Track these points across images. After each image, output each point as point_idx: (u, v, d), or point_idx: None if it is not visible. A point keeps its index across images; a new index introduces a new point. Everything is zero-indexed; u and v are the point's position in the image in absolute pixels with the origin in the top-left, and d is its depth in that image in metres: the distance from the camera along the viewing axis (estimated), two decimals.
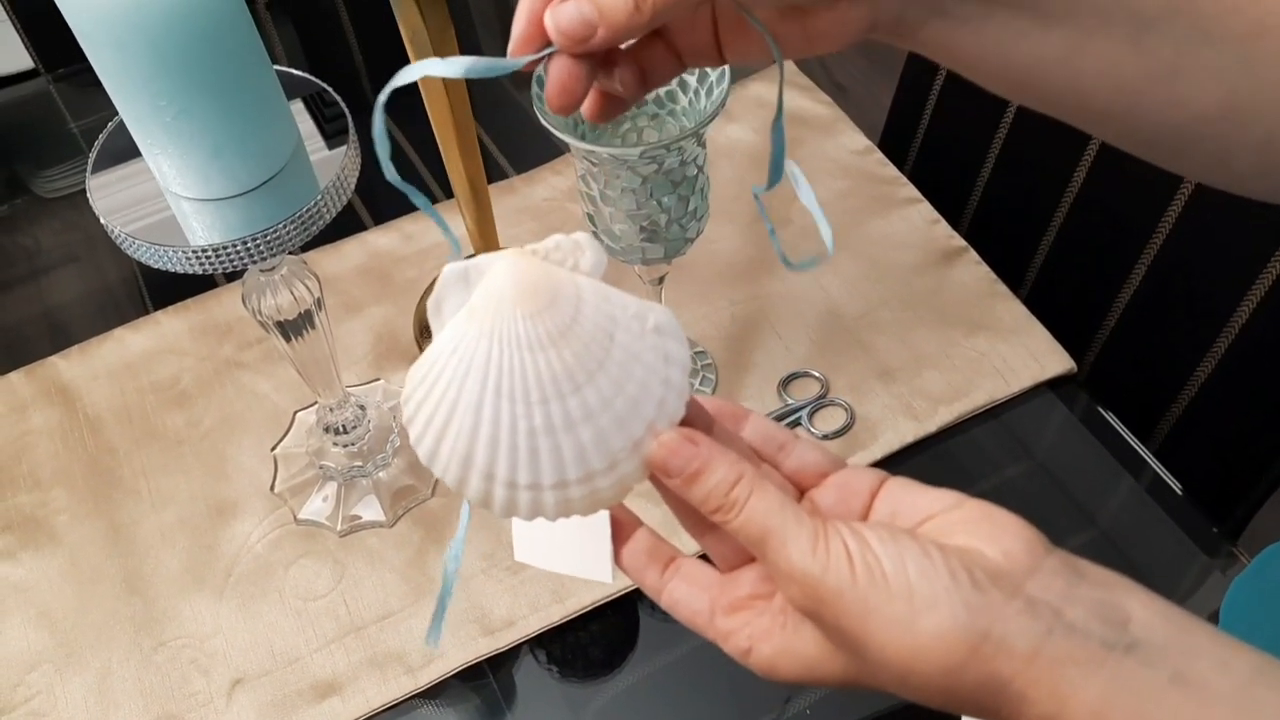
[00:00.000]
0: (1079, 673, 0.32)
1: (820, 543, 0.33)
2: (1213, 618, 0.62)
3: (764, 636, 0.36)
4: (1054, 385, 0.73)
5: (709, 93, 0.62)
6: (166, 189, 0.53)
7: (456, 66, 0.34)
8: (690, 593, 0.38)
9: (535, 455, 0.33)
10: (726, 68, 0.62)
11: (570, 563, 0.40)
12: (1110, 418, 0.72)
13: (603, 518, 0.39)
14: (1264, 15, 0.39)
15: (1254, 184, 0.45)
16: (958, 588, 0.32)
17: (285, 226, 0.51)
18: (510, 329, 0.33)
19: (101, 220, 0.52)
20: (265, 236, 0.50)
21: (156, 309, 0.82)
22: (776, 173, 0.41)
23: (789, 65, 0.94)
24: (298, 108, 0.56)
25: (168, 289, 0.84)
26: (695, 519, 0.38)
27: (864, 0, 0.38)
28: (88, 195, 0.54)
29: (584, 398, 0.33)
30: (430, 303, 0.34)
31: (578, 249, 0.34)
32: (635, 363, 0.34)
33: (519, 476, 0.34)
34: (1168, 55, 0.39)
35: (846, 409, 0.72)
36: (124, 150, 0.54)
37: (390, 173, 0.36)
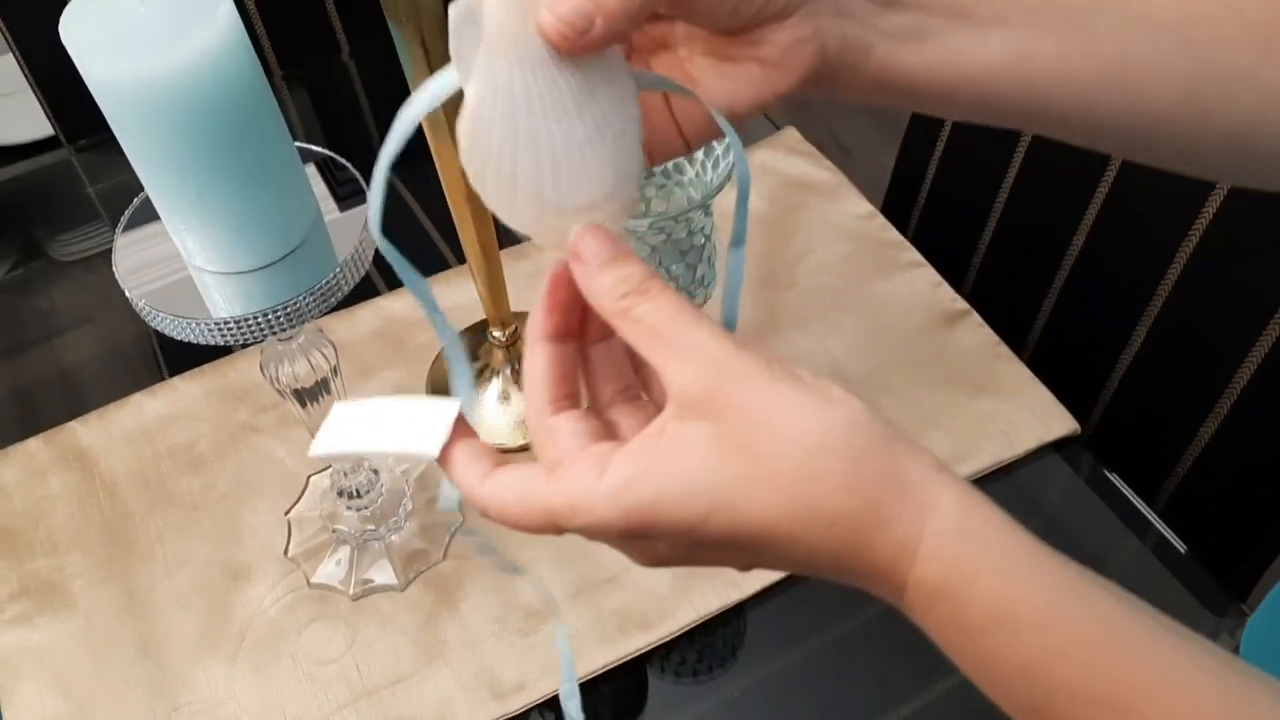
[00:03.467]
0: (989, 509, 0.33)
1: (734, 338, 0.33)
2: None
3: (627, 457, 0.33)
4: (1058, 446, 0.74)
5: (715, 165, 0.64)
6: (189, 262, 0.55)
7: None
8: (523, 468, 0.35)
9: (575, 172, 0.35)
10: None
11: (391, 440, 0.37)
12: (1115, 479, 0.73)
13: (453, 406, 0.36)
14: (1196, 3, 0.40)
15: (1229, 173, 0.46)
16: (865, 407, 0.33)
17: (305, 299, 0.52)
18: (533, 48, 0.34)
19: (126, 292, 0.54)
20: (285, 309, 0.52)
21: (170, 370, 0.83)
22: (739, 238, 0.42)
23: (793, 133, 0.96)
24: (310, 169, 0.58)
25: (182, 350, 0.85)
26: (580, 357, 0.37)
27: (808, 20, 0.38)
28: (113, 268, 0.55)
29: (596, 110, 0.35)
30: (451, 50, 0.35)
31: None
32: (619, 82, 0.36)
33: (565, 200, 0.36)
34: (1109, 47, 0.40)
35: None
36: (144, 220, 0.56)
37: (381, 243, 0.37)
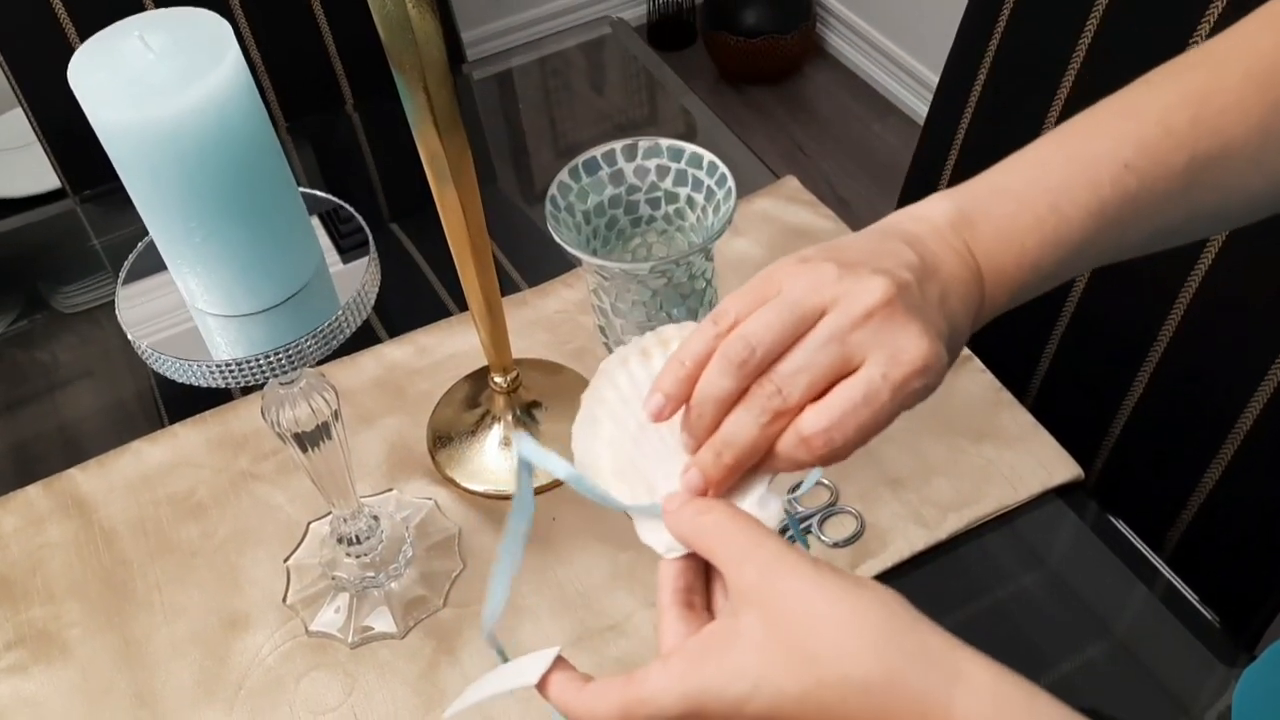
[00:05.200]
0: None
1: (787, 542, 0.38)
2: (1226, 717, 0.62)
3: (686, 649, 0.38)
4: (1062, 493, 0.74)
5: (716, 210, 0.64)
6: (192, 305, 0.55)
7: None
8: (605, 680, 0.40)
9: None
10: (732, 185, 0.64)
11: (504, 681, 0.42)
12: (1120, 525, 0.72)
13: (553, 651, 0.42)
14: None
15: None
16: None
17: (306, 341, 0.52)
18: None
19: (128, 335, 0.54)
20: (287, 351, 0.52)
21: (172, 422, 0.83)
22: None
23: (792, 181, 0.97)
24: (314, 222, 0.58)
25: (183, 402, 0.85)
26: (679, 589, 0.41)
27: None
28: (116, 310, 0.55)
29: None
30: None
31: None
32: None
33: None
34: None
35: (856, 517, 0.72)
36: (149, 265, 0.56)
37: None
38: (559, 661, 0.41)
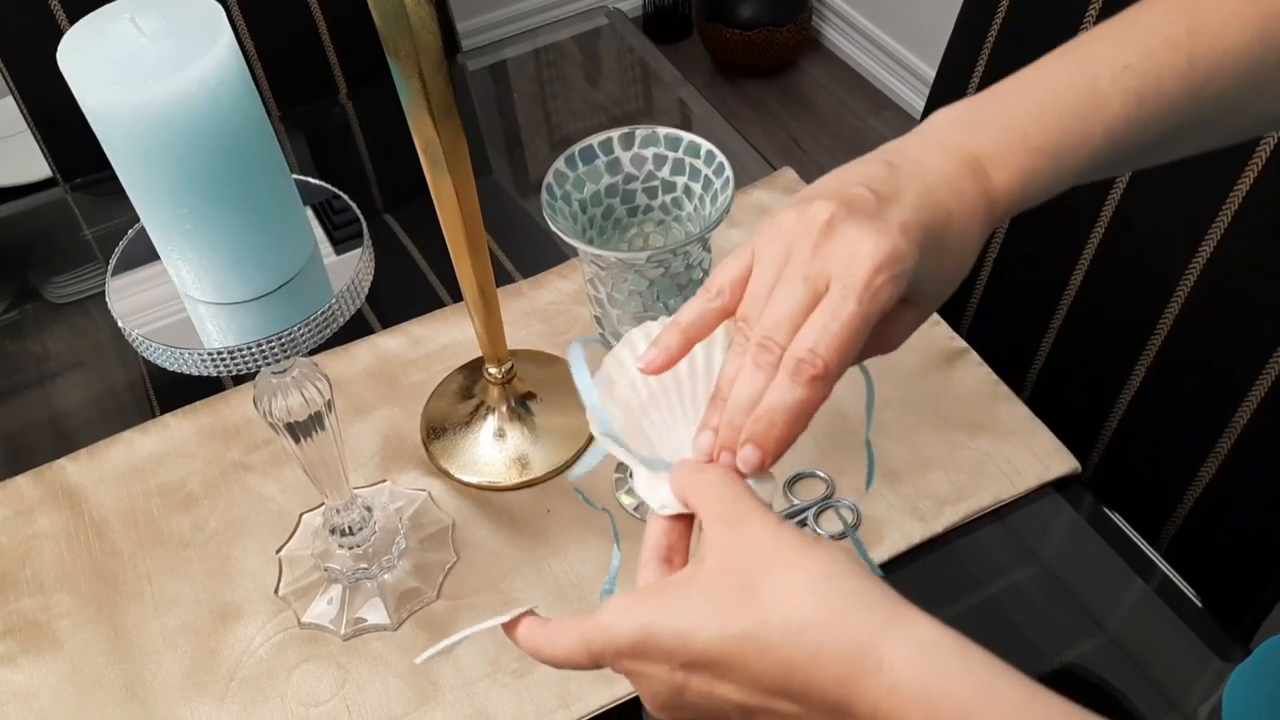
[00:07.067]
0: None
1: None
2: (1216, 715, 0.61)
3: (648, 587, 0.41)
4: (1059, 487, 0.74)
5: (714, 199, 0.64)
6: (184, 293, 0.54)
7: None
8: (566, 619, 0.43)
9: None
10: (730, 174, 0.64)
11: (476, 628, 0.46)
12: (1117, 518, 0.72)
13: (523, 608, 0.45)
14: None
15: None
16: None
17: (299, 329, 0.52)
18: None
19: (119, 323, 0.54)
20: (279, 339, 0.51)
21: (163, 412, 0.82)
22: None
23: (789, 173, 0.97)
24: (307, 211, 0.58)
25: (175, 393, 0.84)
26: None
27: (913, 306, 0.45)
28: (107, 299, 0.55)
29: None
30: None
31: None
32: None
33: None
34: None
35: (853, 509, 0.72)
36: (140, 254, 0.56)
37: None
38: (528, 614, 0.45)
